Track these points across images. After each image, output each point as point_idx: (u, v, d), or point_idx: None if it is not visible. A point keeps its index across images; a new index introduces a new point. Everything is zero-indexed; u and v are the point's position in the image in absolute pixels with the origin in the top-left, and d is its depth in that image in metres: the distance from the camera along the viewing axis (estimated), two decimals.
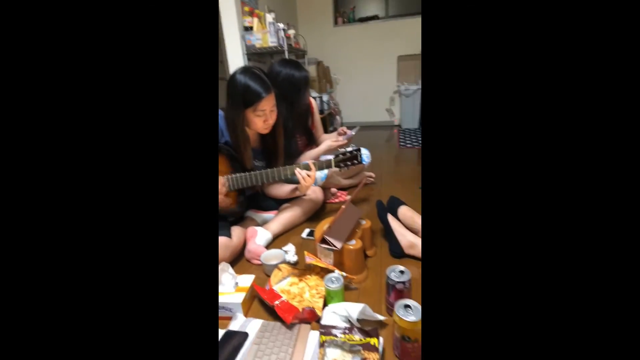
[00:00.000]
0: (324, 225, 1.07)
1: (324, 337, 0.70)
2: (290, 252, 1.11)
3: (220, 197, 1.16)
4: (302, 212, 1.37)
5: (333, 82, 3.78)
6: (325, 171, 1.53)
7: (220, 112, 1.20)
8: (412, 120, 3.43)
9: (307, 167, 1.21)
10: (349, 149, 1.24)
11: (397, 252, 1.08)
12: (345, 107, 3.93)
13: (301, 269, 1.02)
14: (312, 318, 0.82)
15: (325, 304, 0.86)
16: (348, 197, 1.61)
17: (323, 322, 0.78)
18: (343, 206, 1.06)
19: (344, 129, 1.56)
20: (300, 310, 0.82)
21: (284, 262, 1.04)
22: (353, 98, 3.87)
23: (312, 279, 0.96)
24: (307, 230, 1.32)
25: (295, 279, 0.97)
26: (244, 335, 0.79)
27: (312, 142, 1.70)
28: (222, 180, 1.17)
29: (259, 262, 1.10)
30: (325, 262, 0.97)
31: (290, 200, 1.39)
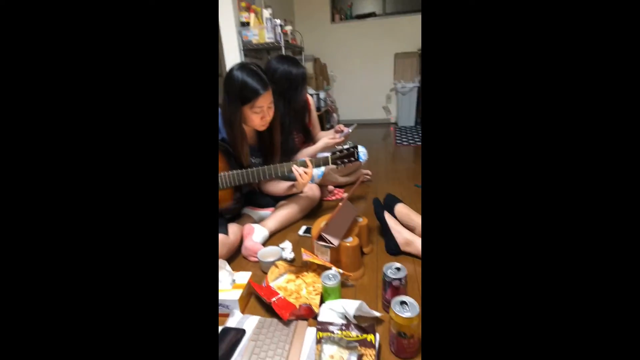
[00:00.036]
0: (320, 222, 1.07)
1: (320, 334, 0.70)
2: (287, 249, 1.11)
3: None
4: (299, 209, 1.37)
5: (330, 79, 3.78)
6: (322, 168, 1.53)
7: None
8: (409, 118, 3.44)
9: (304, 164, 1.20)
10: (346, 146, 1.24)
11: (394, 250, 1.09)
12: (342, 104, 3.93)
13: (298, 266, 1.02)
14: (309, 315, 0.83)
15: (322, 301, 0.86)
16: (345, 195, 1.61)
17: (320, 318, 0.78)
18: (340, 203, 1.06)
19: (341, 126, 1.56)
20: (297, 307, 0.83)
21: (281, 259, 1.05)
22: (350, 95, 3.87)
23: (309, 276, 0.96)
24: (304, 228, 1.32)
25: (292, 276, 0.97)
26: (241, 332, 0.79)
27: (309, 139, 1.70)
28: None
29: (255, 259, 1.10)
30: (322, 259, 0.97)
31: (287, 197, 1.39)
